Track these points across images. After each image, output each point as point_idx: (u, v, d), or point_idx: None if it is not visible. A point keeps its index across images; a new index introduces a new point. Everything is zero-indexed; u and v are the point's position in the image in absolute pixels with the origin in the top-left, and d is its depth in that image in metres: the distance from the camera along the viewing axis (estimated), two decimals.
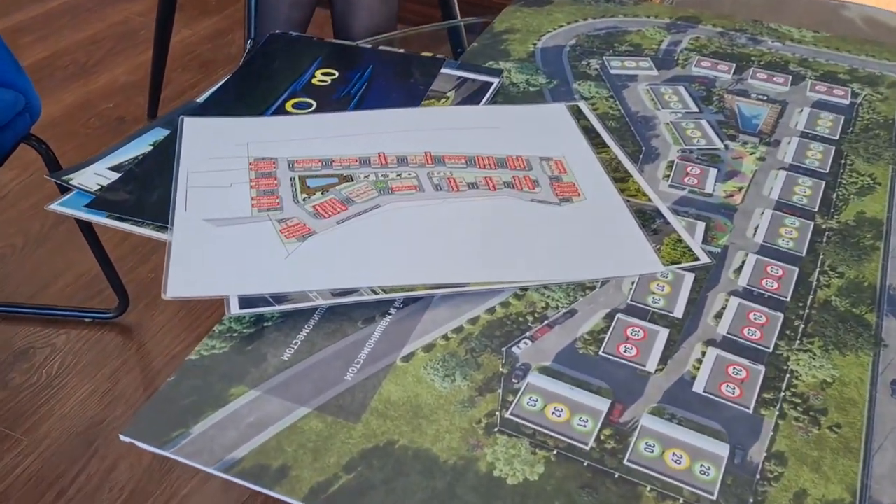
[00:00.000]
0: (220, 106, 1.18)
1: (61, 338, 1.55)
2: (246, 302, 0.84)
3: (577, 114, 1.20)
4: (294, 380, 0.79)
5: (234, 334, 0.83)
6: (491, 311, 0.87)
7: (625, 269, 0.93)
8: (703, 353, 0.83)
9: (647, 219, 1.00)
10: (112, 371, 1.46)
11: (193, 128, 1.11)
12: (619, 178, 1.08)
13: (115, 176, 1.03)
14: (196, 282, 0.85)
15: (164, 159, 1.05)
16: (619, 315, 0.87)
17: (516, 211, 1.00)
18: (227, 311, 0.82)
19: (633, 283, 0.91)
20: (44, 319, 1.58)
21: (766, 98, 1.26)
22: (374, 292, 0.86)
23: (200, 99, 1.20)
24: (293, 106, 1.19)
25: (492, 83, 1.24)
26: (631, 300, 0.89)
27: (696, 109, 1.22)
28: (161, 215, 0.95)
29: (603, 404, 0.77)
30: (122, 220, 0.96)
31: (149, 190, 1.01)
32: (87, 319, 1.60)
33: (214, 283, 0.85)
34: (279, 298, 0.85)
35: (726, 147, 1.14)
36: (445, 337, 0.84)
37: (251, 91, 1.21)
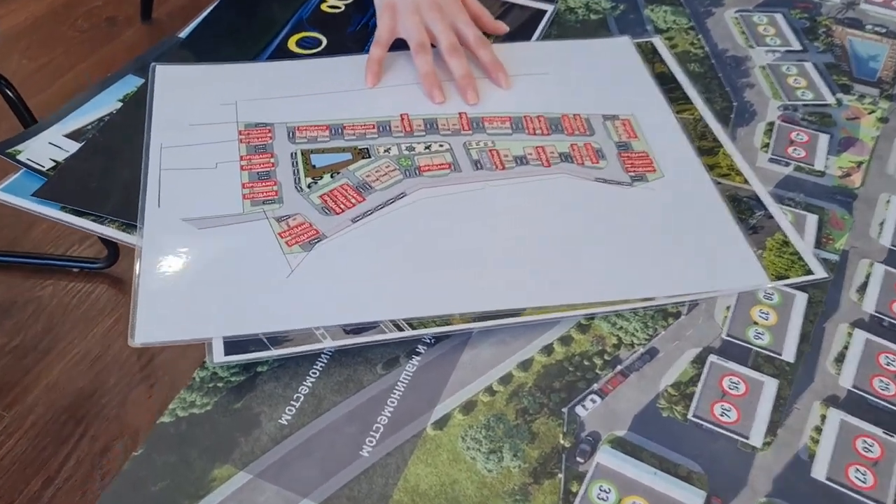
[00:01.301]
0: (205, 43, 0.95)
1: (47, 290, 1.37)
2: (233, 346, 0.65)
3: (651, 54, 0.96)
4: (295, 457, 0.61)
5: (220, 385, 0.65)
6: (547, 350, 0.68)
7: (719, 284, 0.72)
8: (824, 418, 0.64)
9: (744, 209, 0.79)
10: (104, 332, 1.29)
11: (168, 79, 0.89)
12: (706, 148, 0.85)
13: (74, 146, 0.82)
14: (171, 319, 0.66)
15: (136, 122, 0.84)
16: (712, 357, 0.68)
17: (576, 196, 0.79)
18: (208, 358, 0.64)
19: (729, 309, 0.71)
20: (26, 269, 1.41)
21: (885, 31, 1.00)
22: (398, 327, 0.67)
23: (184, 33, 0.97)
24: (297, 44, 0.96)
25: (544, 11, 0.99)
26: (727, 335, 0.69)
27: (798, 47, 0.98)
28: (130, 207, 0.75)
29: (696, 499, 0.59)
30: (79, 215, 0.76)
31: (115, 168, 0.80)
32: (74, 269, 1.42)
33: (194, 319, 0.66)
34: (277, 339, 0.65)
35: (839, 103, 0.91)
36: (489, 390, 0.65)
37: (246, 23, 0.97)
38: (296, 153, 0.81)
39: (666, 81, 0.93)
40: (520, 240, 0.74)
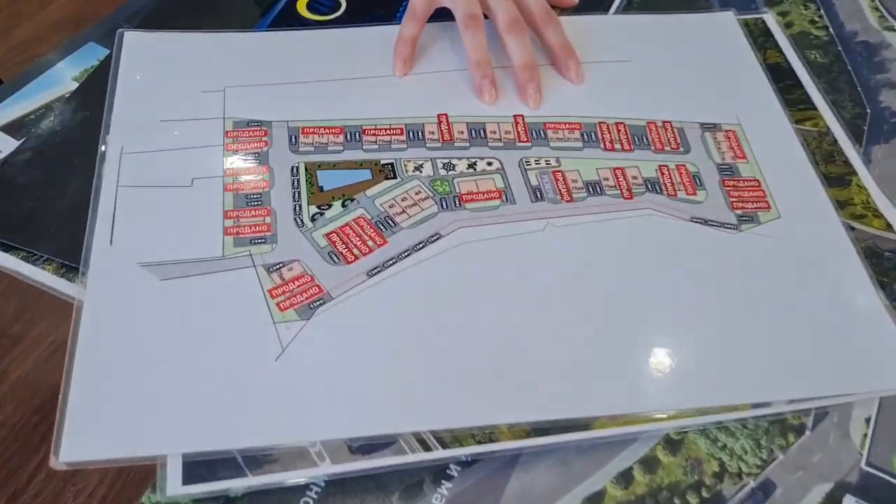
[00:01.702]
0: (192, 2, 0.74)
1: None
2: (196, 469, 0.47)
3: (761, 36, 0.74)
4: None
5: None
6: (625, 479, 0.50)
7: (856, 384, 0.53)
8: None
9: (887, 269, 0.59)
10: None
11: (138, 52, 0.69)
12: (835, 175, 0.65)
13: (11, 144, 0.63)
14: (109, 431, 0.48)
15: (96, 113, 0.64)
16: (849, 499, 0.49)
17: (665, 245, 0.59)
18: (159, 489, 0.46)
19: (869, 423, 0.52)
20: None
21: None
22: (423, 443, 0.49)
23: None
24: (308, 6, 0.75)
25: None
26: (868, 463, 0.51)
27: None
28: (77, 240, 0.56)
29: None
30: (7, 250, 0.57)
31: (62, 181, 0.61)
32: None
33: (142, 429, 0.48)
34: (257, 459, 0.48)
35: None
36: None
37: None
38: (298, 167, 0.61)
39: (781, 76, 0.71)
40: (589, 315, 0.55)
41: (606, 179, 0.62)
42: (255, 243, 0.57)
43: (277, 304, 0.54)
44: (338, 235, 0.57)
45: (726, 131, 0.67)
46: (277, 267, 0.56)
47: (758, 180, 0.64)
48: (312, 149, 0.63)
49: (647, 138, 0.65)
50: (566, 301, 0.55)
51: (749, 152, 0.65)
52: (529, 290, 0.55)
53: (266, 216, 0.58)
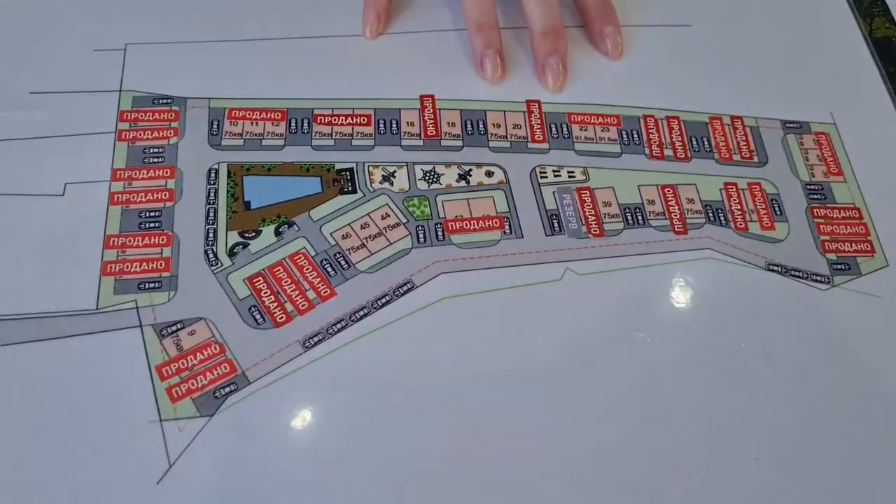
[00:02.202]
0: None
1: None
2: None
3: (868, 1, 0.55)
4: None
5: None
6: None
7: None
8: None
9: None
10: None
11: None
12: None
13: None
14: None
15: None
16: None
17: (728, 301, 0.42)
18: None
19: None
20: None
21: None
22: None
23: None
24: None
25: None
26: None
27: None
28: None
29: None
30: None
31: None
32: None
33: None
34: None
35: None
36: None
37: None
38: (217, 171, 0.43)
39: (892, 57, 0.52)
40: (625, 418, 0.38)
41: (652, 203, 0.44)
42: (145, 289, 0.39)
43: (168, 391, 0.36)
44: (266, 281, 0.40)
45: (816, 134, 0.48)
46: (174, 329, 0.38)
47: (858, 209, 0.46)
48: (241, 142, 0.44)
49: (709, 141, 0.47)
50: (590, 396, 0.38)
51: (847, 166, 0.47)
52: (539, 377, 0.38)
53: (164, 246, 0.40)
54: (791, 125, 0.48)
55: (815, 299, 0.43)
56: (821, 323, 0.42)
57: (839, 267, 0.44)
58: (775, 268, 0.43)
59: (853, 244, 0.45)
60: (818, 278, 0.43)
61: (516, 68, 0.49)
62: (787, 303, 0.42)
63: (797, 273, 0.43)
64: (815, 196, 0.46)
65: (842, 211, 0.46)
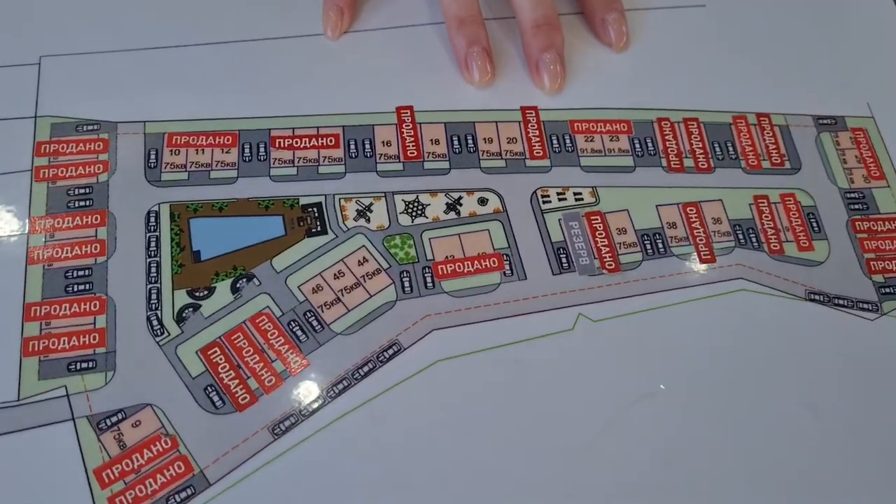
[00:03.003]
0: None
1: None
2: None
3: None
4: None
5: None
6: None
7: None
8: None
9: None
10: None
11: None
12: None
13: None
14: None
15: None
16: None
17: (764, 340, 0.36)
18: None
19: None
20: None
21: None
22: None
23: None
24: None
25: None
26: None
27: None
28: None
29: None
30: None
31: None
32: None
33: None
34: None
35: None
36: None
37: None
38: (157, 214, 0.36)
39: None
40: (660, 489, 0.32)
41: (673, 226, 0.38)
42: (76, 370, 0.32)
43: (110, 501, 0.30)
44: (223, 352, 0.33)
45: (853, 130, 0.42)
46: (115, 420, 0.32)
47: None
48: (185, 175, 0.37)
49: (734, 146, 0.40)
50: (613, 469, 0.32)
51: (889, 167, 0.41)
52: (555, 451, 0.32)
53: (97, 314, 0.33)
54: (825, 121, 0.42)
55: (863, 331, 0.37)
56: (872, 361, 0.36)
57: (888, 290, 0.38)
58: (817, 297, 0.37)
59: None
60: (865, 306, 0.37)
61: (507, 68, 0.41)
62: (832, 338, 0.37)
63: (841, 302, 0.37)
64: (856, 206, 0.40)
65: (886, 222, 0.40)
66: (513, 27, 0.43)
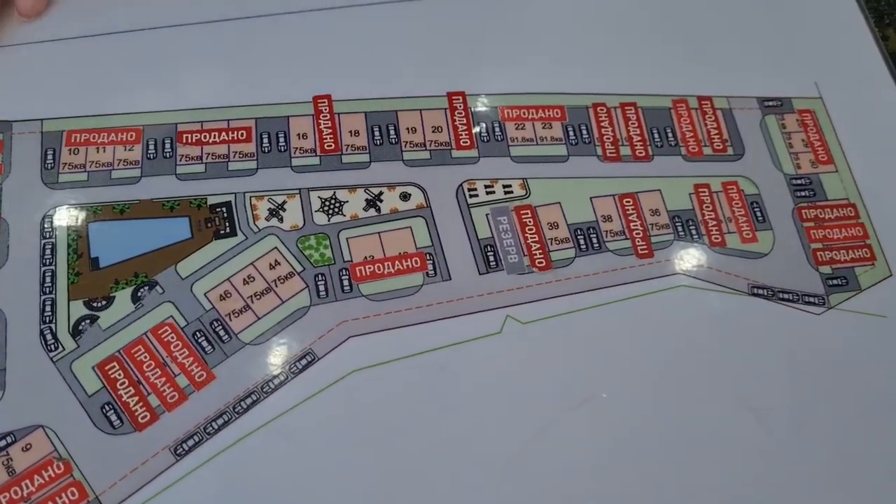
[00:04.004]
0: None
1: None
2: None
3: None
4: None
5: None
6: None
7: None
8: None
9: None
10: None
11: None
12: None
13: None
14: None
15: None
16: None
17: (705, 340, 0.35)
18: None
19: None
20: None
21: None
22: None
23: None
24: None
25: None
26: None
27: None
28: None
29: None
30: None
31: None
32: None
33: None
34: None
35: None
36: None
37: None
38: (52, 219, 0.33)
39: (882, 17, 0.44)
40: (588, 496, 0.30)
41: (608, 220, 0.36)
42: None
43: None
44: (122, 367, 0.31)
45: (800, 112, 0.40)
46: (3, 444, 0.29)
47: (853, 205, 0.38)
48: (84, 175, 0.34)
49: (673, 132, 0.38)
50: (546, 480, 0.30)
51: (837, 151, 0.39)
52: (482, 462, 0.30)
53: None
54: (770, 103, 0.40)
55: (809, 327, 0.35)
56: (818, 358, 0.34)
57: (835, 282, 0.36)
58: (761, 291, 0.35)
59: (850, 251, 0.37)
60: (812, 300, 0.36)
61: (434, 49, 0.39)
62: (777, 335, 0.35)
63: (787, 296, 0.36)
64: (803, 193, 0.38)
65: (834, 209, 0.38)
66: (439, 7, 0.40)
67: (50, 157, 0.35)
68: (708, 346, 0.34)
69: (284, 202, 0.34)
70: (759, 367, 0.34)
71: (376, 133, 0.36)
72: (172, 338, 0.32)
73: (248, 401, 0.31)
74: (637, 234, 0.36)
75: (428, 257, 0.34)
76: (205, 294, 0.32)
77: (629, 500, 0.31)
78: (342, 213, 0.35)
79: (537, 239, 0.35)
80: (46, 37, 0.37)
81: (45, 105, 0.36)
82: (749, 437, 0.33)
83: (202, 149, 0.35)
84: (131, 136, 0.35)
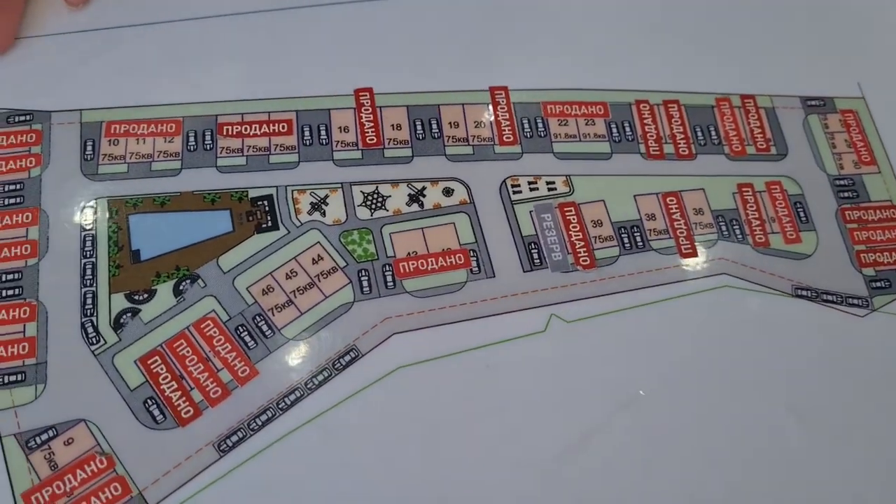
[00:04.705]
0: None
1: None
2: None
3: None
4: None
5: None
6: None
7: None
8: None
9: None
10: None
11: None
12: None
13: None
14: None
15: None
16: None
17: (748, 341, 0.34)
18: None
19: None
20: None
21: None
22: None
23: None
24: None
25: None
26: None
27: None
28: None
29: None
30: None
31: None
32: None
33: None
34: None
35: None
36: None
37: None
38: (95, 210, 0.33)
39: None
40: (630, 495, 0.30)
41: (652, 218, 0.35)
42: (3, 384, 0.30)
43: None
44: (164, 361, 0.30)
45: (843, 112, 0.39)
46: (45, 438, 0.29)
47: None
48: (125, 167, 0.34)
49: (717, 130, 0.38)
50: (590, 483, 0.30)
51: (880, 152, 0.39)
52: (525, 465, 0.30)
53: (27, 321, 0.31)
54: (813, 102, 0.39)
55: (852, 329, 0.35)
56: (861, 360, 0.34)
57: (879, 284, 0.36)
58: (804, 292, 0.35)
59: (893, 253, 0.37)
60: (855, 301, 0.35)
61: (475, 45, 0.39)
62: (820, 337, 0.34)
63: (830, 297, 0.35)
64: (846, 194, 0.38)
65: (878, 211, 0.37)
66: (482, 4, 0.40)
67: (89, 148, 0.34)
68: (750, 346, 0.34)
69: (327, 196, 0.34)
70: (802, 369, 0.34)
71: (418, 127, 0.36)
72: (215, 332, 0.31)
73: (292, 397, 0.30)
74: (681, 232, 0.35)
75: (471, 254, 0.34)
76: (247, 288, 0.32)
77: (673, 499, 0.31)
78: (385, 208, 0.34)
79: (581, 237, 0.35)
80: (87, 26, 0.37)
81: (83, 95, 0.35)
82: (791, 438, 0.32)
83: (243, 141, 0.35)
84: (171, 128, 0.35)
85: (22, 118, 0.35)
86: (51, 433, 0.29)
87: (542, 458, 0.31)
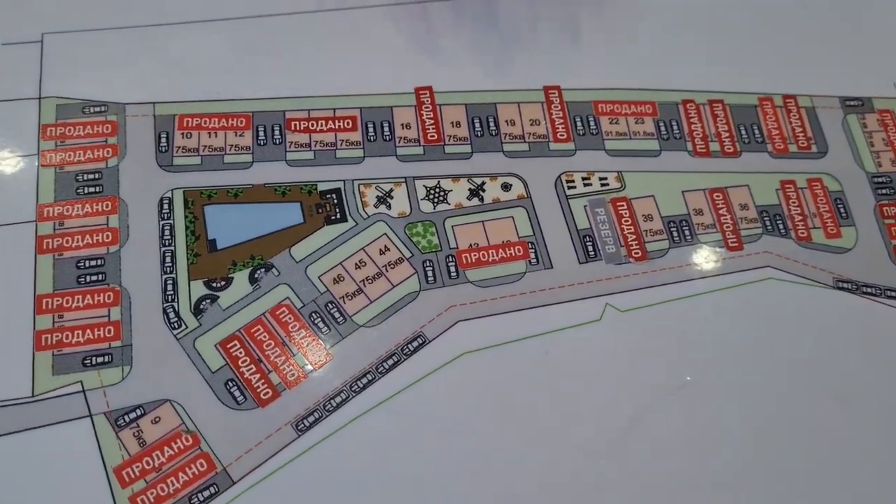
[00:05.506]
0: None
1: None
2: None
3: None
4: None
5: None
6: None
7: None
8: None
9: None
10: None
11: None
12: None
13: None
14: None
15: None
16: None
17: (792, 330, 0.36)
18: None
19: None
20: None
21: None
22: None
23: None
24: None
25: None
26: None
27: None
28: None
29: None
30: None
31: None
32: None
33: None
34: None
35: None
36: None
37: None
38: (171, 201, 0.34)
39: None
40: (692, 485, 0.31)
41: (699, 213, 0.37)
42: (91, 365, 0.31)
43: (132, 501, 0.29)
44: (243, 345, 0.32)
45: (880, 112, 0.41)
46: (133, 417, 0.31)
47: None
48: (198, 159, 0.35)
49: (760, 129, 0.39)
50: (643, 465, 0.32)
51: None
52: (581, 448, 0.32)
53: (112, 306, 0.32)
54: (851, 102, 0.41)
55: (892, 320, 0.36)
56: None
57: None
58: (845, 285, 0.37)
59: None
60: (893, 294, 0.37)
61: (528, 45, 0.40)
62: (860, 328, 0.36)
63: (870, 290, 0.37)
64: (884, 191, 0.39)
65: None
66: (535, 5, 0.41)
67: (164, 140, 0.36)
68: (794, 336, 0.35)
69: (391, 190, 0.36)
70: (845, 358, 0.35)
71: (477, 125, 0.38)
72: (290, 318, 0.33)
73: (364, 380, 0.32)
74: (727, 227, 0.37)
75: (530, 246, 0.35)
76: (319, 277, 0.34)
77: (723, 486, 0.32)
78: (447, 202, 0.36)
79: (633, 230, 0.36)
80: (160, 20, 0.38)
81: (156, 89, 0.37)
82: (835, 426, 0.34)
83: (310, 136, 0.36)
84: (241, 122, 0.36)
85: (97, 109, 0.36)
86: (138, 412, 0.31)
87: (597, 440, 0.32)
